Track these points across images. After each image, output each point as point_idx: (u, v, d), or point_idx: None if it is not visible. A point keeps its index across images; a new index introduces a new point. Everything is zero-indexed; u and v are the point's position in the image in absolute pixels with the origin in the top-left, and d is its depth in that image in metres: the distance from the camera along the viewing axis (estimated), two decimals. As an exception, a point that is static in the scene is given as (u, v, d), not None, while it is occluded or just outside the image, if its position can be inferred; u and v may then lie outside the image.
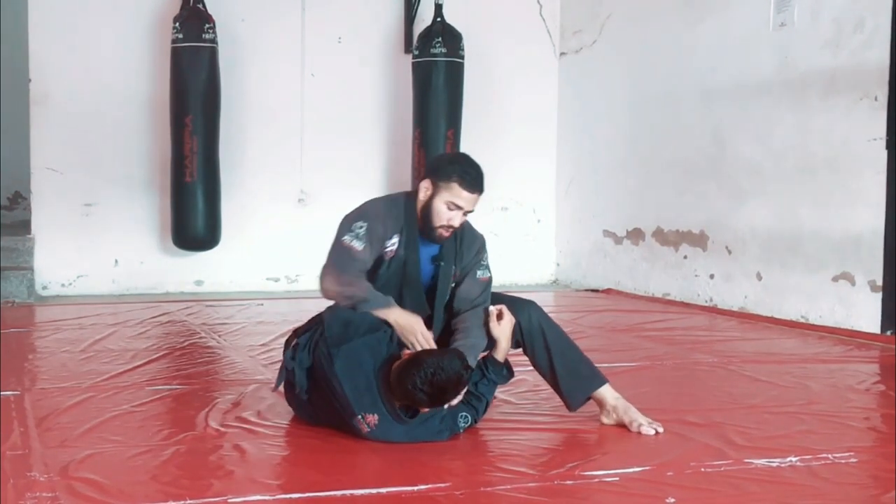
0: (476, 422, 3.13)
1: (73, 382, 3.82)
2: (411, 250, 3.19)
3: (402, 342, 3.08)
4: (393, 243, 3.18)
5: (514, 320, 3.18)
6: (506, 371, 3.21)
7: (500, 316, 3.17)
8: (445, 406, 2.99)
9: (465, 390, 3.04)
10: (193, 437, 3.06)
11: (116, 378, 3.94)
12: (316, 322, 3.17)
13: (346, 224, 3.19)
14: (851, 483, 2.70)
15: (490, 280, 3.29)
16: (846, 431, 3.24)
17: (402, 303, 3.17)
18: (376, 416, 2.92)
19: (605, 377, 3.25)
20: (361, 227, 3.14)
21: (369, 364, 2.96)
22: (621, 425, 3.18)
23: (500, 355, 3.17)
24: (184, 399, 3.59)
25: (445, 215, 3.13)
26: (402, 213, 3.19)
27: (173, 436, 3.06)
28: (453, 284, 3.26)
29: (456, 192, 3.12)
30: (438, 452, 2.92)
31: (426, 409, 2.95)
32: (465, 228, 3.27)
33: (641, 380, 4.03)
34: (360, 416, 2.92)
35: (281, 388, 3.26)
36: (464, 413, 3.06)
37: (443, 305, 3.25)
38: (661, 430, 3.12)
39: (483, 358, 3.17)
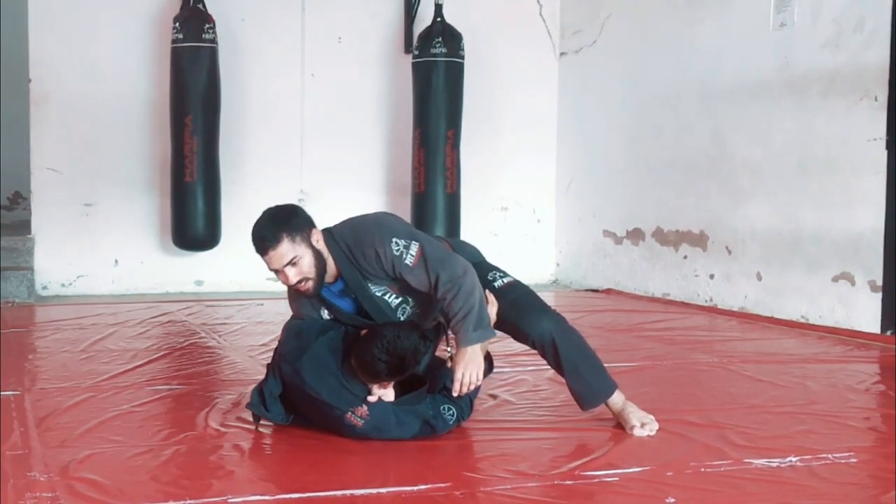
0: (463, 419, 3.12)
1: (73, 382, 3.82)
2: (326, 306, 3.13)
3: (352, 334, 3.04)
4: (326, 315, 3.15)
5: (493, 319, 3.10)
6: (486, 366, 3.17)
7: None
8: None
9: (443, 382, 3.06)
10: (193, 437, 3.06)
11: (116, 378, 3.94)
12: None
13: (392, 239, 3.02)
14: (851, 483, 2.70)
15: (422, 254, 2.96)
16: (846, 431, 3.24)
17: None
18: (364, 407, 2.92)
19: (614, 385, 3.20)
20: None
21: (332, 362, 2.96)
22: (620, 426, 3.19)
23: None
24: (184, 399, 3.59)
25: (280, 279, 3.05)
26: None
27: (173, 436, 3.06)
28: (385, 293, 3.09)
29: (264, 261, 3.04)
30: (438, 452, 2.92)
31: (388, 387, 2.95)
32: (347, 238, 3.04)
33: (641, 380, 4.02)
34: (349, 413, 2.92)
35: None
36: (447, 405, 3.05)
37: (391, 316, 3.10)
38: (652, 432, 3.11)
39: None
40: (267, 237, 2.99)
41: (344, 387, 2.94)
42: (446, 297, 2.98)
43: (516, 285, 3.26)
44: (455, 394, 3.00)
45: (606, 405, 3.21)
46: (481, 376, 3.02)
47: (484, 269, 3.28)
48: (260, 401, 3.08)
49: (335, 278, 3.08)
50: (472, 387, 3.01)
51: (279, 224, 3.01)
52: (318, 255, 3.01)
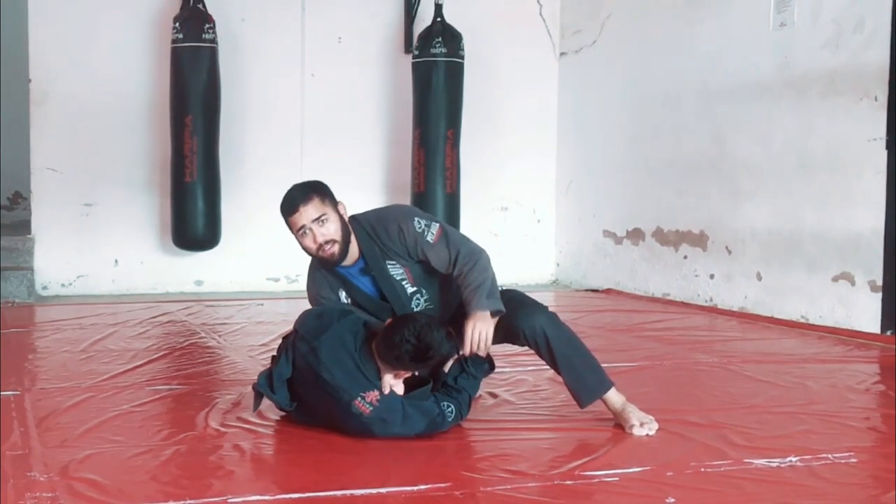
0: (462, 417, 3.12)
1: (73, 382, 3.83)
2: (345, 286, 3.21)
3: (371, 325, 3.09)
4: (344, 297, 3.24)
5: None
6: (487, 365, 3.20)
7: None
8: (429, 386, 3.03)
9: (443, 381, 3.11)
10: (193, 437, 3.06)
11: (116, 378, 3.94)
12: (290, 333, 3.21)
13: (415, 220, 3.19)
14: (851, 483, 2.70)
15: (442, 232, 3.16)
16: (846, 431, 3.24)
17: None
18: (376, 392, 2.93)
19: (610, 382, 3.21)
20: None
21: (352, 344, 2.98)
22: (620, 426, 3.19)
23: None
24: (184, 399, 3.59)
25: (305, 243, 3.13)
26: (316, 269, 3.28)
27: (173, 436, 3.06)
28: (402, 278, 3.19)
29: (290, 222, 3.13)
30: (438, 452, 2.92)
31: (404, 373, 2.97)
32: (371, 219, 3.21)
33: (641, 380, 4.02)
34: (359, 398, 2.92)
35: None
36: (446, 402, 3.06)
37: (405, 302, 3.21)
38: (651, 432, 3.11)
39: (463, 354, 3.16)
40: (297, 196, 3.13)
41: (359, 369, 2.94)
42: (463, 271, 3.12)
43: (511, 290, 3.35)
44: (465, 351, 3.05)
45: (606, 405, 3.21)
46: (491, 335, 3.07)
47: None
48: (267, 383, 3.10)
49: (355, 260, 3.20)
50: (482, 344, 3.05)
51: (310, 187, 3.17)
52: (343, 223, 3.15)
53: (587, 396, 3.21)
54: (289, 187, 3.20)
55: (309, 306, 3.33)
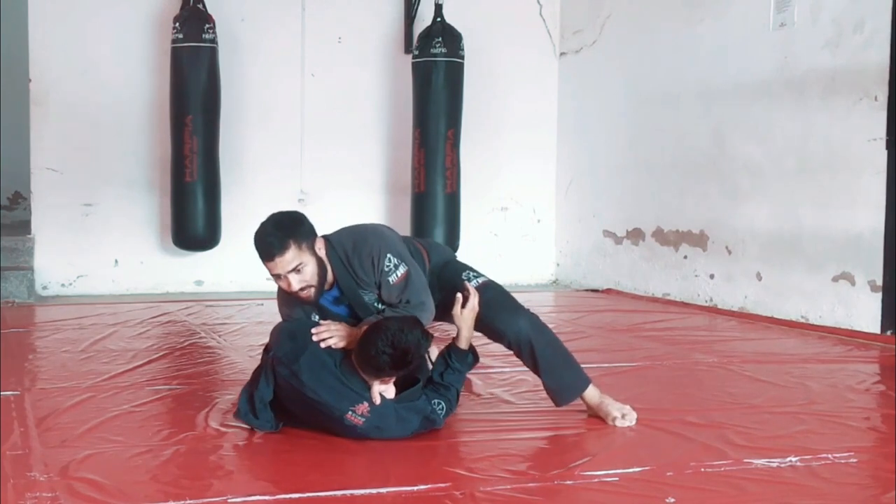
0: (451, 412, 3.12)
1: (73, 382, 3.82)
2: (321, 313, 3.18)
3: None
4: (315, 318, 3.20)
5: (476, 309, 3.16)
6: (471, 358, 3.20)
7: (463, 304, 3.15)
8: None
9: (429, 377, 3.13)
10: (193, 437, 3.06)
11: (116, 378, 3.94)
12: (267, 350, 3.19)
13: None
14: (851, 483, 2.70)
15: (406, 276, 3.13)
16: (846, 431, 3.24)
17: None
18: (366, 403, 2.92)
19: (588, 380, 3.27)
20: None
21: (330, 361, 2.97)
22: (600, 419, 3.24)
23: (462, 343, 3.16)
24: (184, 399, 3.59)
25: (281, 285, 3.11)
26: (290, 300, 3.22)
27: (173, 436, 3.06)
28: (375, 300, 3.19)
29: (265, 265, 3.08)
30: (438, 452, 2.93)
31: (391, 380, 2.96)
32: (346, 247, 3.14)
33: (641, 380, 4.03)
34: (349, 413, 2.92)
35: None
36: (436, 400, 3.07)
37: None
38: (632, 423, 3.18)
39: (446, 347, 3.18)
40: (274, 244, 3.03)
41: (344, 384, 2.94)
42: (400, 307, 3.12)
43: (491, 285, 3.33)
44: (315, 337, 3.01)
45: (583, 400, 3.27)
46: (338, 344, 3.01)
47: (458, 268, 3.39)
48: (249, 408, 3.07)
49: (331, 286, 3.16)
50: (325, 337, 3.01)
51: (286, 231, 3.05)
52: (320, 263, 3.09)
53: (566, 396, 3.26)
54: (263, 224, 3.09)
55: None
